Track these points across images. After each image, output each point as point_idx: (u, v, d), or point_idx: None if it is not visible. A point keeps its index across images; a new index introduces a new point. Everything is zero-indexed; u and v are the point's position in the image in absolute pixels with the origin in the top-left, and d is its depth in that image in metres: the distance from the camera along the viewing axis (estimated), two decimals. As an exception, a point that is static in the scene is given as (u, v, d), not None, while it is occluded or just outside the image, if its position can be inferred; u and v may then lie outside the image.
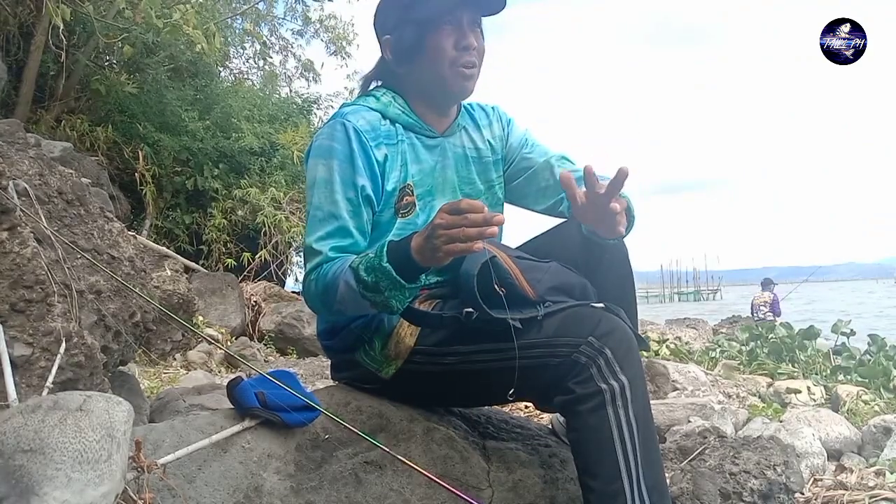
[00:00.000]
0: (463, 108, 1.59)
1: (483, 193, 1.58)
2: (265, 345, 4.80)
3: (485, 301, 1.24)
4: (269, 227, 6.82)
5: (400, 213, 1.45)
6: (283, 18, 9.20)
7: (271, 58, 9.21)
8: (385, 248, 1.24)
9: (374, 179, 1.41)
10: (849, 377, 3.79)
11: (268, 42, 8.93)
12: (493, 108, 1.65)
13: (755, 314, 11.32)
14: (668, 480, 1.50)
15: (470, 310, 1.26)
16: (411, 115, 1.48)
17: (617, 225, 1.26)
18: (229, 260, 6.90)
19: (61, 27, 4.53)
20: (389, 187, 1.43)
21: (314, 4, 9.04)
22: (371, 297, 1.26)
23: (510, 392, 1.33)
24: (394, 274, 1.22)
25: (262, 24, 8.87)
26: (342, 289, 1.29)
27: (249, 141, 7.11)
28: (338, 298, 1.31)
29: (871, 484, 1.84)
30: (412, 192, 1.46)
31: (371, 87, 1.57)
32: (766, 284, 12.08)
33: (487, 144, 1.60)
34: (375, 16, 1.53)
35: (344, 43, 9.26)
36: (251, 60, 9.21)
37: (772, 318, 10.25)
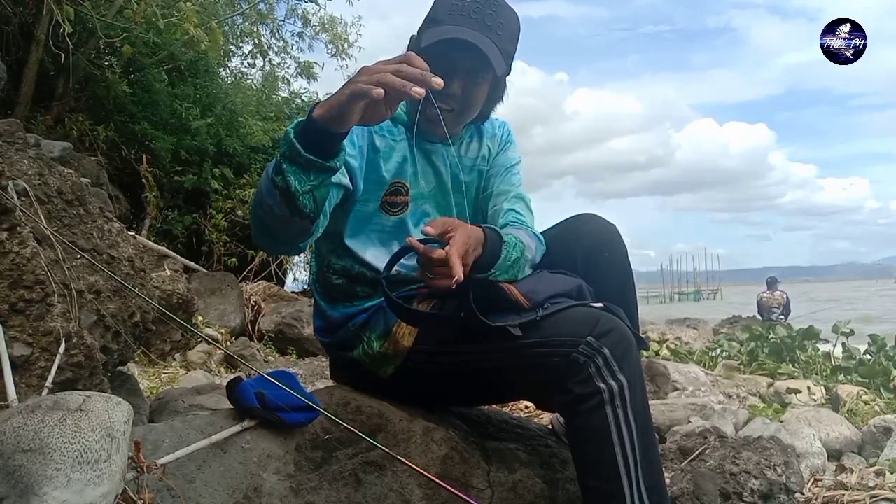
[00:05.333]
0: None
1: (474, 202, 1.59)
2: (265, 345, 4.79)
3: (481, 311, 1.24)
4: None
5: (389, 210, 1.45)
6: (284, 21, 9.18)
7: (271, 58, 9.21)
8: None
9: (361, 152, 1.38)
10: (849, 377, 3.80)
11: (267, 43, 8.92)
12: (502, 123, 1.65)
13: (765, 314, 11.03)
14: (667, 481, 1.50)
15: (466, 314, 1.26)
16: (413, 117, 1.48)
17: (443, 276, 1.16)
18: (232, 260, 6.90)
19: (68, 29, 4.52)
20: (387, 176, 1.42)
21: (314, 6, 9.02)
22: (278, 180, 1.08)
23: (509, 392, 1.33)
24: (291, 136, 1.06)
25: (263, 26, 8.85)
26: (263, 181, 1.14)
27: (260, 138, 7.11)
28: (258, 198, 1.16)
29: (872, 484, 1.84)
30: (406, 191, 1.46)
31: None
32: (772, 283, 11.85)
33: (483, 156, 1.61)
34: None
35: (345, 45, 9.24)
36: (248, 59, 9.20)
37: (783, 319, 10.02)
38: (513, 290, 1.31)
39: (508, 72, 1.45)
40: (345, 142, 1.18)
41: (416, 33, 1.47)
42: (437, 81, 1.00)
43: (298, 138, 1.06)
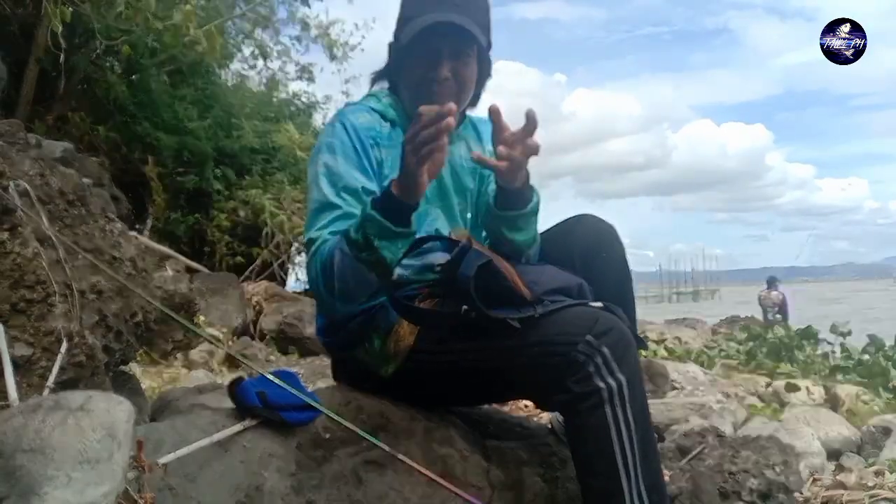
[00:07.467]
0: (468, 120, 1.60)
1: (476, 202, 1.59)
2: (266, 344, 4.80)
3: (482, 302, 1.25)
4: (270, 226, 6.84)
5: None
6: (284, 24, 9.16)
7: (271, 61, 9.20)
8: (369, 200, 1.23)
9: (373, 176, 1.42)
10: (848, 377, 3.80)
11: (267, 46, 8.91)
12: None
13: (765, 314, 11.03)
14: (666, 479, 1.51)
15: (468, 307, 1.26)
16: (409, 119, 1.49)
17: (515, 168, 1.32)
18: (238, 258, 6.91)
19: (58, 29, 4.53)
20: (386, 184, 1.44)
21: (313, 9, 9.00)
22: (365, 256, 1.21)
23: (509, 391, 1.33)
24: (379, 217, 1.19)
25: (262, 29, 8.84)
26: (338, 259, 1.25)
27: (249, 140, 7.12)
28: (336, 274, 1.26)
29: (871, 484, 1.85)
30: None
31: (376, 86, 1.58)
32: (772, 283, 11.89)
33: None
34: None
35: (345, 49, 9.21)
36: (248, 62, 9.20)
37: (780, 319, 10.02)
38: (515, 279, 1.31)
39: (489, 45, 1.49)
40: (358, 174, 1.37)
41: (392, 40, 1.50)
42: (449, 108, 1.11)
43: (387, 217, 1.19)
